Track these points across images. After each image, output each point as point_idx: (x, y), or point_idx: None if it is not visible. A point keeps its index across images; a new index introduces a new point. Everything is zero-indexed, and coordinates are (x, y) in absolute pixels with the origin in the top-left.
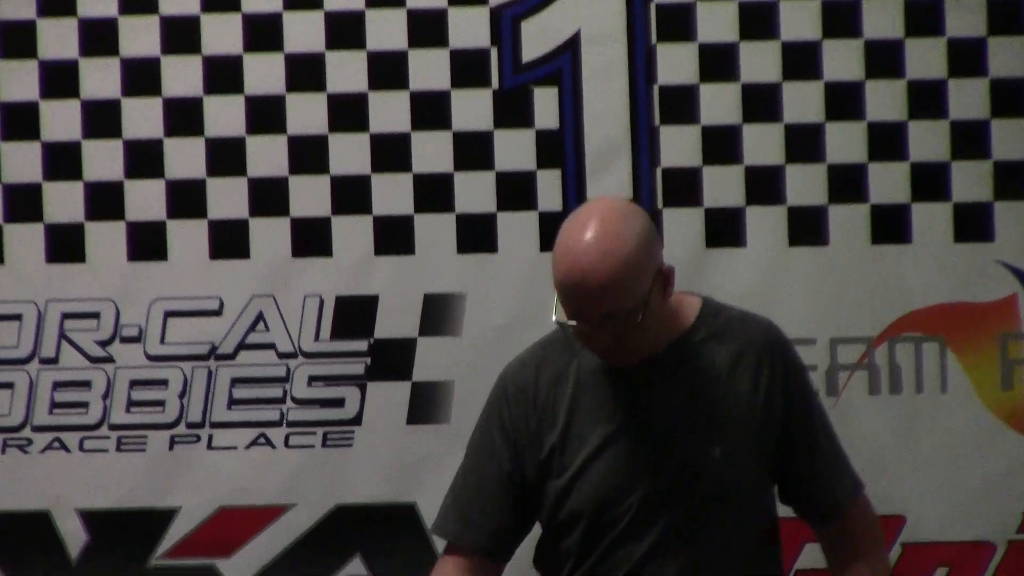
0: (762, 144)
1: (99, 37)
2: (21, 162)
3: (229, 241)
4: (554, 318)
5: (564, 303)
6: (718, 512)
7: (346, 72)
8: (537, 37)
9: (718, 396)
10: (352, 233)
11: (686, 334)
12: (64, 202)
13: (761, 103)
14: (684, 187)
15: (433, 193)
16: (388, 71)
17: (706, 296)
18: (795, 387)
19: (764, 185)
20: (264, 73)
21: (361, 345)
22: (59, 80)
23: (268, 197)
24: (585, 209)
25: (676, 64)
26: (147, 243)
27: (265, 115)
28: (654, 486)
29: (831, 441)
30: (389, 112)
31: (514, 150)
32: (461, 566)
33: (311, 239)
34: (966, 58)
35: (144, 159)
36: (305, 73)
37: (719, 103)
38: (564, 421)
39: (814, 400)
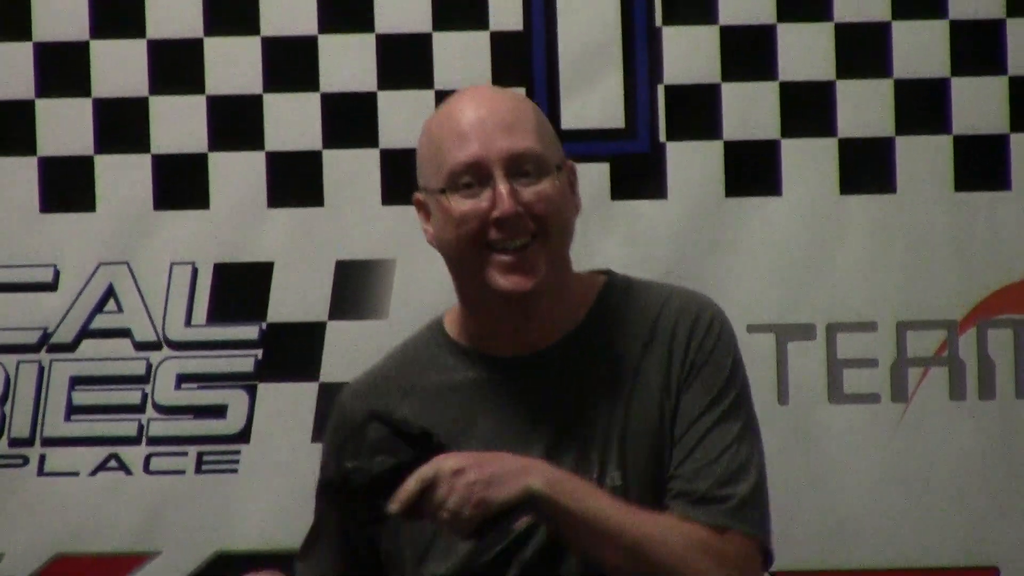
0: (803, 51)
1: None
2: None
3: (66, 186)
4: (417, 195)
5: (459, 152)
6: None
7: None
8: None
9: (618, 404)
10: (237, 175)
11: (582, 325)
12: None
13: None
14: (696, 111)
15: (349, 119)
16: None
17: (612, 272)
18: (695, 375)
19: (806, 109)
20: None
21: (250, 332)
22: None
23: (120, 123)
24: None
25: None
26: None
27: (117, 11)
28: (531, 536)
29: (731, 449)
30: (288, 6)
31: (461, 59)
32: None
33: (179, 183)
34: None
35: None
36: None
37: None
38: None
39: (708, 409)
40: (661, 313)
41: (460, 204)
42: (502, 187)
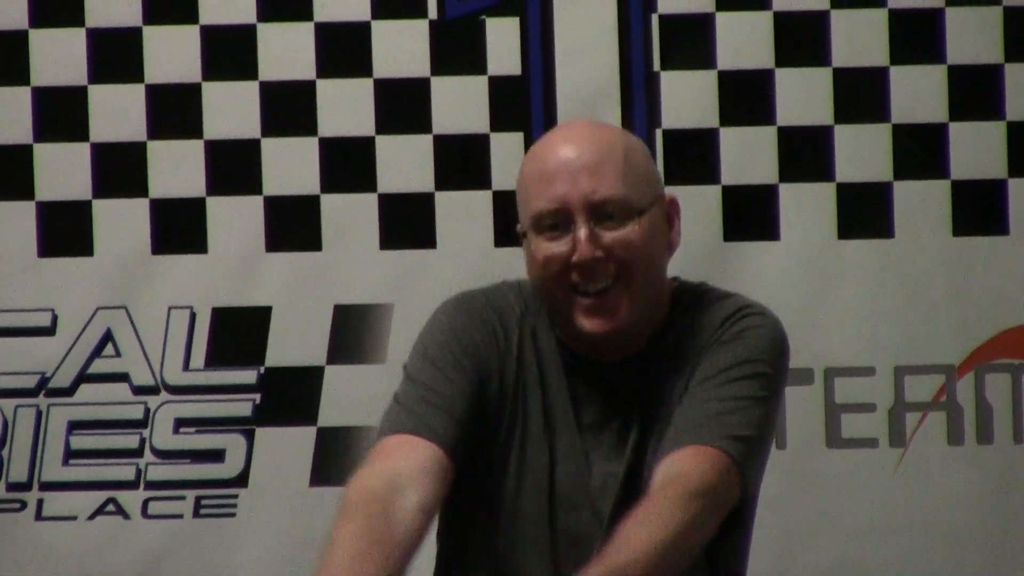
0: (802, 96)
1: None
2: None
3: (65, 231)
4: (519, 228)
5: (542, 195)
6: None
7: None
8: None
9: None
10: (235, 219)
11: (664, 327)
12: None
13: (801, 38)
14: (694, 156)
15: (347, 163)
16: None
17: (680, 279)
18: (718, 349)
19: (804, 154)
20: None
21: (248, 376)
22: None
23: (118, 169)
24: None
25: None
26: None
27: (115, 57)
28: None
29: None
30: (286, 53)
31: (459, 104)
32: (421, 447)
33: (178, 228)
34: None
35: None
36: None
37: (743, 39)
38: (528, 403)
39: (710, 387)
40: (718, 316)
41: (543, 247)
42: (582, 232)
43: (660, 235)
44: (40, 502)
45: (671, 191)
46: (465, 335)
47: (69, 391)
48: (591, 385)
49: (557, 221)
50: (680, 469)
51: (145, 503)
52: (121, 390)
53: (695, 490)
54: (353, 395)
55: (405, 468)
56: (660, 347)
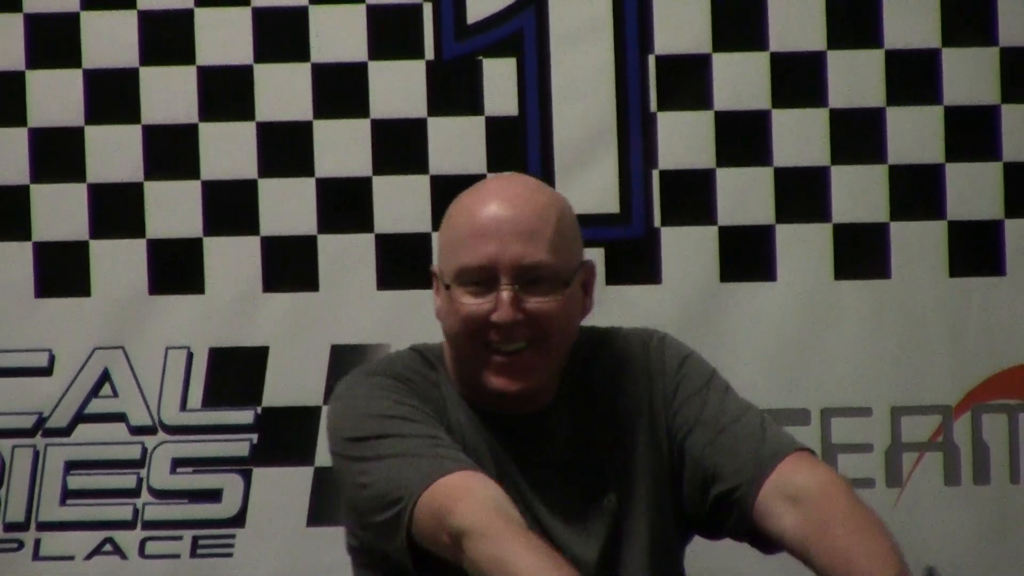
0: (798, 136)
1: None
2: None
3: (62, 271)
4: (433, 268)
5: (471, 251)
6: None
7: (225, 36)
8: None
9: (604, 438)
10: (233, 260)
11: (563, 381)
12: None
13: (798, 79)
14: (691, 197)
15: (344, 204)
16: (281, 35)
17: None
18: (694, 399)
19: (801, 194)
20: (106, 40)
21: (245, 416)
22: None
23: (115, 209)
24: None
25: (680, 24)
26: None
27: (112, 98)
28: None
29: (756, 425)
30: (283, 93)
31: (456, 145)
32: (483, 477)
33: (175, 268)
34: None
35: None
36: (168, 37)
37: (739, 79)
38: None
39: (709, 403)
40: (623, 354)
41: (466, 301)
42: (505, 295)
43: (578, 303)
44: (37, 542)
45: (671, 234)
46: (405, 392)
47: (66, 431)
48: (508, 439)
49: (482, 278)
50: (810, 480)
51: (142, 543)
52: (118, 430)
53: (845, 485)
54: None
55: (497, 494)
56: (564, 395)
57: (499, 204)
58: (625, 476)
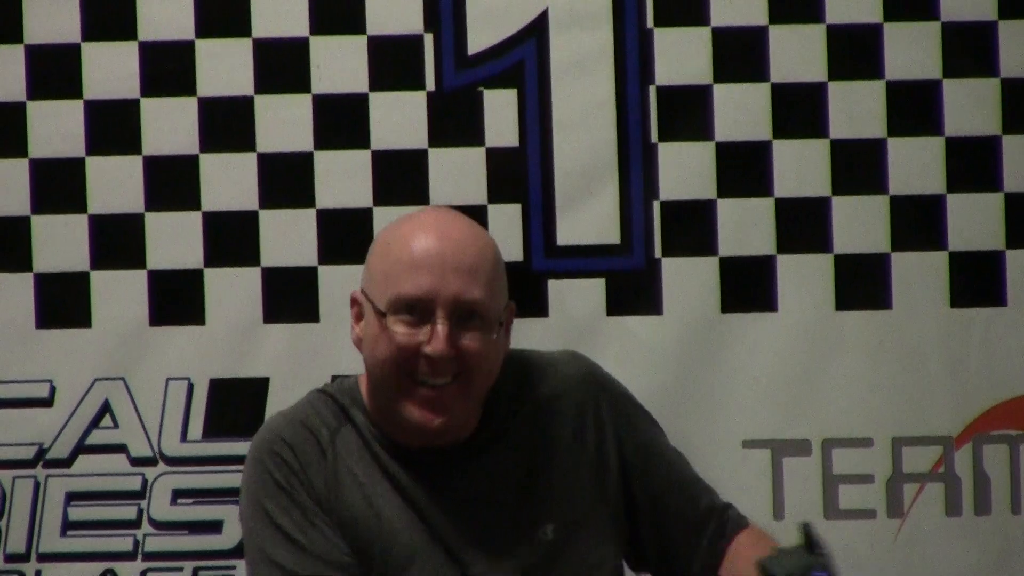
0: (799, 167)
1: None
2: None
3: (62, 302)
4: (358, 294)
5: (409, 281)
6: None
7: (225, 67)
8: (489, 19)
9: (538, 467)
10: (232, 290)
11: (489, 403)
12: None
13: (799, 110)
14: (691, 228)
15: (345, 235)
16: (282, 66)
17: None
18: (625, 424)
19: (802, 225)
20: (107, 71)
21: (246, 447)
22: None
23: (115, 240)
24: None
25: (681, 56)
26: None
27: (113, 129)
28: None
29: (688, 468)
30: (284, 124)
31: (457, 176)
32: None
33: (176, 299)
34: None
35: None
36: (168, 68)
37: (739, 110)
38: (346, 503)
39: (657, 433)
40: (554, 375)
41: (398, 331)
42: (440, 328)
43: (504, 343)
44: (38, 573)
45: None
46: (285, 483)
47: (67, 462)
48: (423, 473)
49: (418, 309)
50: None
51: (143, 574)
52: (119, 461)
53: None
54: None
55: None
56: (488, 425)
57: (440, 238)
58: (565, 504)
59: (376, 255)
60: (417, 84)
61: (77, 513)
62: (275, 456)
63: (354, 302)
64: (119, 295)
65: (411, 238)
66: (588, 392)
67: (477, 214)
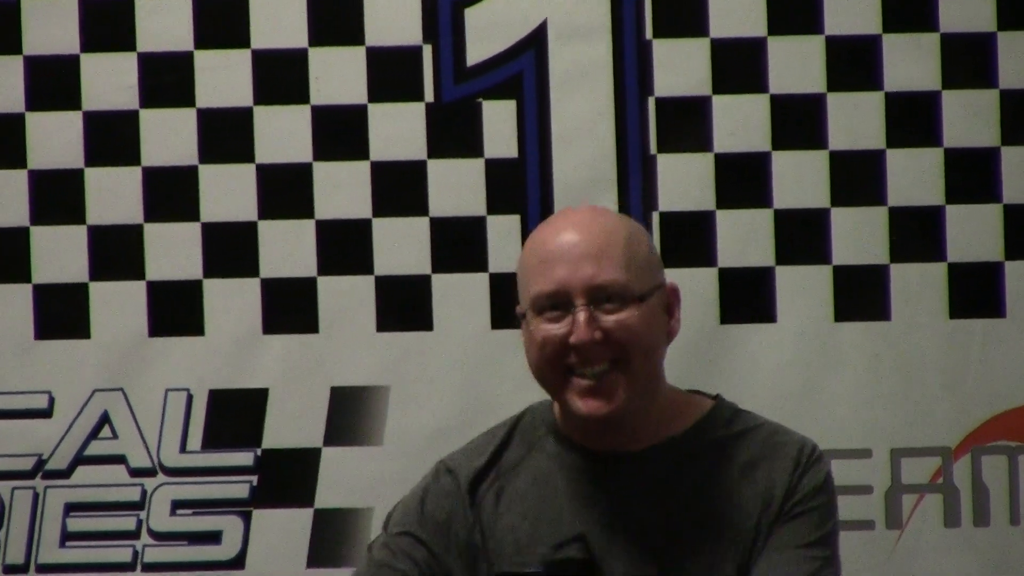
0: (798, 178)
1: None
2: None
3: (61, 313)
4: (518, 310)
5: (542, 278)
6: None
7: (224, 78)
8: (488, 31)
9: (697, 515)
10: (232, 302)
11: (679, 437)
12: None
13: (797, 122)
14: (690, 238)
15: (344, 247)
16: (281, 77)
17: (722, 398)
18: (792, 519)
19: (801, 236)
20: (106, 82)
21: (245, 458)
22: None
23: (115, 251)
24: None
25: (680, 67)
26: None
27: (112, 139)
28: None
29: None
30: (283, 135)
31: (456, 187)
32: None
33: (176, 310)
34: None
35: None
36: (164, 79)
37: (739, 122)
38: (511, 521)
39: (807, 555)
40: (771, 446)
41: (541, 328)
42: (580, 315)
43: (659, 322)
44: None
45: (670, 275)
46: (409, 532)
47: (66, 473)
48: (596, 477)
49: (556, 303)
50: None
51: None
52: (118, 472)
53: None
54: (350, 477)
55: None
56: (673, 449)
57: (566, 232)
58: (681, 559)
59: (519, 262)
60: (416, 95)
61: (76, 524)
62: (406, 514)
63: (520, 316)
64: (118, 306)
65: (539, 239)
66: (783, 477)
67: (476, 225)
